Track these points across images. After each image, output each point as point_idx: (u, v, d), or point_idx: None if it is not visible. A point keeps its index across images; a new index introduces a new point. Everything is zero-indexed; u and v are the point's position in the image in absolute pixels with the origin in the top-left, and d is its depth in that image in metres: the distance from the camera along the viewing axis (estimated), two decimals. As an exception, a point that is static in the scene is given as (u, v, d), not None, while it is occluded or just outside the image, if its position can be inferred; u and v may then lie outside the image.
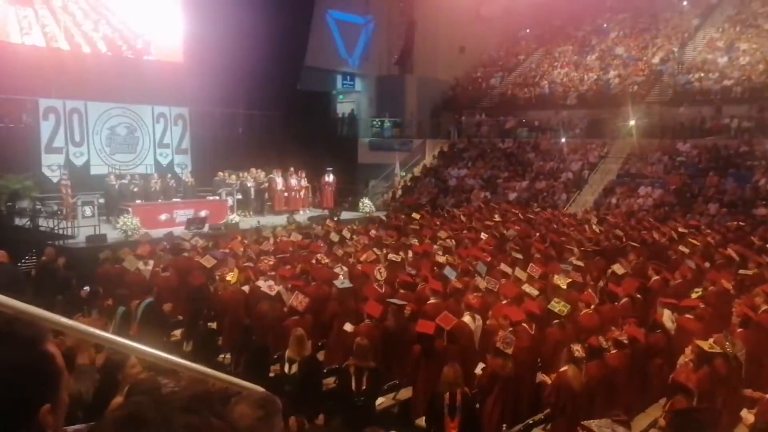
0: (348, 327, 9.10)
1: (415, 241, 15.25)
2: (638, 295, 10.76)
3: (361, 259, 12.90)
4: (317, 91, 31.08)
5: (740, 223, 19.44)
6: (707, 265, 13.02)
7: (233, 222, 20.15)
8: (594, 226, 17.93)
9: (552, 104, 30.53)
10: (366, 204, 26.06)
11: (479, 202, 25.91)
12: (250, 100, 26.77)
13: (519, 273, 11.46)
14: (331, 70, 32.04)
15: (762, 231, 18.40)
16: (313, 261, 12.64)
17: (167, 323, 10.37)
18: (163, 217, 19.55)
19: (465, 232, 17.17)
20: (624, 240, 15.62)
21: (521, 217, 20.07)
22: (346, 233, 16.51)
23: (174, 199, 20.82)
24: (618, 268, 11.97)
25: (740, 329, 8.69)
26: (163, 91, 23.50)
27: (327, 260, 12.85)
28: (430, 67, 33.16)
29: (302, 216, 22.80)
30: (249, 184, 23.14)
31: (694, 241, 15.28)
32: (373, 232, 16.97)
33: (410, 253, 13.83)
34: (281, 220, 21.08)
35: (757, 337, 8.69)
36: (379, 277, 11.29)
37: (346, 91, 33.86)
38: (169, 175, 22.08)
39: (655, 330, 8.70)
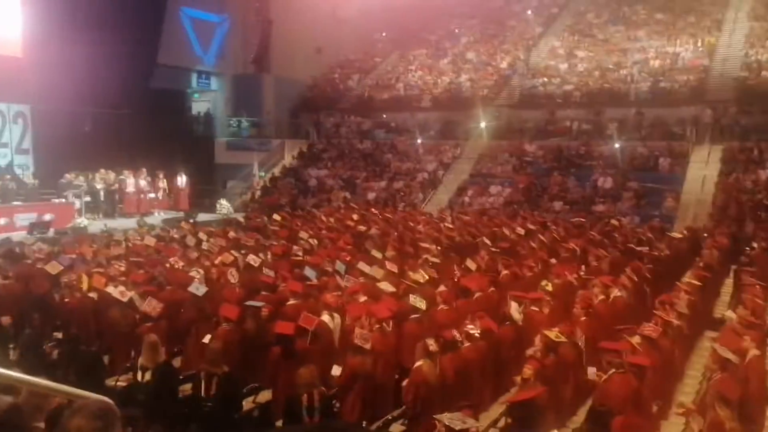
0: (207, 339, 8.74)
1: (275, 243, 15.00)
2: (491, 289, 11.17)
3: (218, 261, 12.50)
4: (171, 89, 29.80)
5: (581, 219, 20.86)
6: (553, 259, 13.81)
7: (81, 226, 19.06)
8: (448, 224, 18.52)
9: (408, 106, 31.32)
10: (224, 205, 25.44)
11: (339, 202, 26.07)
12: (98, 97, 25.11)
13: (377, 271, 11.55)
14: (186, 68, 30.86)
15: (600, 226, 19.96)
16: (168, 265, 12.08)
17: (6, 337, 9.53)
18: (1, 221, 18.18)
19: (325, 232, 17.12)
20: (476, 237, 16.25)
21: (380, 216, 20.36)
22: (202, 236, 15.94)
23: (14, 202, 19.39)
24: (471, 264, 12.40)
25: (582, 318, 9.27)
26: (1, 88, 21.64)
27: (182, 264, 12.35)
28: (287, 67, 32.85)
29: (156, 218, 21.78)
30: (98, 186, 21.85)
31: (542, 237, 16.20)
32: (231, 234, 16.52)
33: (269, 255, 13.59)
34: (133, 223, 20.04)
35: (595, 324, 9.31)
36: (232, 279, 10.99)
37: (202, 90, 32.77)
38: (8, 177, 20.43)
39: (505, 322, 9.05)
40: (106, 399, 3.07)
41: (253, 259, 12.38)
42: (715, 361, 7.21)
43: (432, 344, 7.31)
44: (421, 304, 9.16)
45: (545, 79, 29.68)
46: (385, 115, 31.65)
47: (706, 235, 18.40)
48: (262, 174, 29.53)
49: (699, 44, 29.54)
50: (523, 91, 29.72)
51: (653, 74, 27.97)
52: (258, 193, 28.33)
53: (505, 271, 12.19)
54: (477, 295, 10.67)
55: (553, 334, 7.84)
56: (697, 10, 32.27)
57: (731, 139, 24.65)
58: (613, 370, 6.96)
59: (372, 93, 33.09)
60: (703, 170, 23.80)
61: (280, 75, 33.04)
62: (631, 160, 24.98)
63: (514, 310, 9.31)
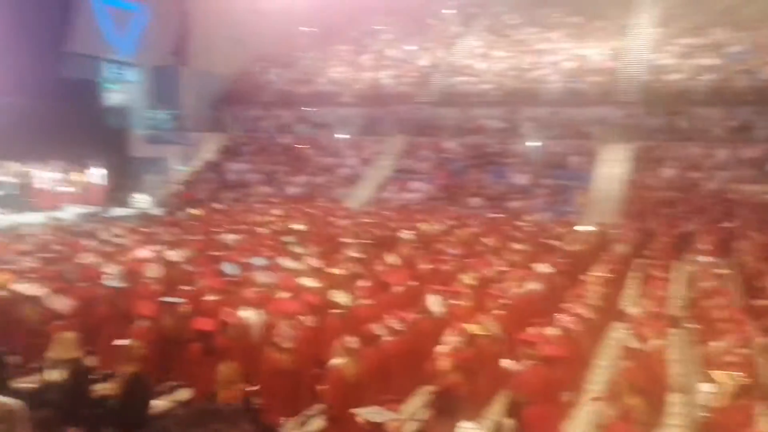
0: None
1: (194, 238, 14.77)
2: (411, 283, 11.41)
3: (134, 257, 12.23)
4: (84, 78, 28.66)
5: (498, 215, 21.53)
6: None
7: None
8: (369, 219, 18.73)
9: (329, 101, 31.33)
10: (141, 199, 24.78)
11: (260, 197, 25.89)
12: (3, 85, 23.93)
13: (298, 266, 11.59)
14: (99, 57, 29.76)
15: (515, 222, 20.69)
16: (80, 261, 11.72)
17: None
18: None
19: (245, 227, 16.99)
20: (396, 231, 16.51)
21: (301, 211, 20.36)
22: (118, 231, 15.52)
23: None
24: (391, 258, 12.61)
25: (497, 311, 9.62)
26: None
27: (95, 259, 11.99)
28: (207, 59, 32.19)
29: (69, 213, 20.94)
30: (2, 179, 20.87)
31: (460, 232, 16.63)
32: (148, 229, 16.16)
33: (189, 251, 13.37)
34: (43, 217, 19.24)
35: (511, 317, 9.68)
36: (151, 274, 10.80)
37: (118, 81, 31.67)
38: None
39: (424, 315, 9.28)
40: (12, 400, 2.99)
41: (171, 255, 12.18)
42: (620, 350, 7.67)
43: (351, 341, 7.41)
44: (343, 299, 9.26)
45: (464, 78, 30.33)
46: (306, 110, 31.51)
47: (613, 230, 19.33)
48: (182, 168, 28.93)
49: (608, 47, 30.92)
50: (442, 89, 30.26)
51: (565, 75, 29.08)
52: (177, 187, 27.74)
53: (424, 266, 12.38)
54: (397, 289, 10.89)
55: (473, 327, 8.09)
56: (605, 15, 33.70)
57: (637, 138, 25.95)
58: (528, 361, 7.28)
59: (293, 87, 32.90)
60: (611, 168, 24.97)
61: (200, 67, 32.39)
62: (545, 158, 25.90)
63: (433, 303, 9.54)
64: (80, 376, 7.30)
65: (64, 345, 7.23)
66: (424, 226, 17.40)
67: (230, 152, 30.14)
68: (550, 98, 28.14)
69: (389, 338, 8.30)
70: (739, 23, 30.62)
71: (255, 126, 31.50)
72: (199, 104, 32.12)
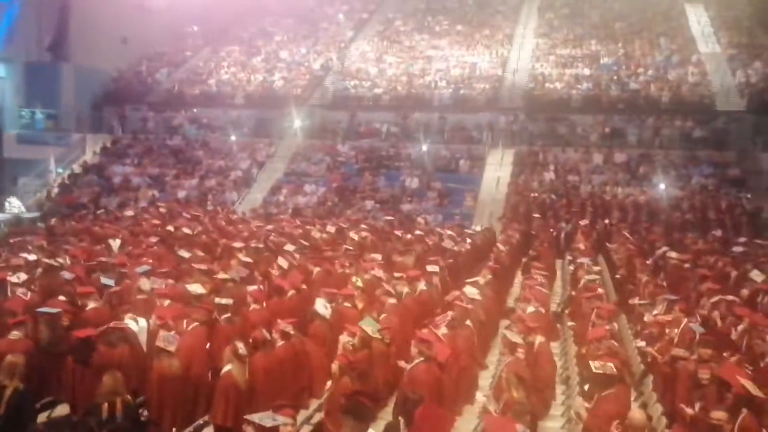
0: None
1: (73, 246, 14.01)
2: (304, 287, 11.38)
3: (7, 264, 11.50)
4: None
5: (390, 217, 21.84)
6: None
7: None
8: (260, 223, 18.53)
9: (220, 103, 30.71)
10: (14, 204, 23.31)
11: (146, 201, 24.98)
12: None
13: (186, 272, 11.31)
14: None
15: (408, 224, 21.16)
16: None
17: None
18: None
19: (127, 233, 16.26)
20: (288, 236, 16.42)
21: (189, 216, 19.84)
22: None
23: None
24: (282, 263, 12.52)
25: (385, 313, 9.78)
26: None
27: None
28: (89, 56, 30.63)
29: None
30: None
31: (355, 236, 16.74)
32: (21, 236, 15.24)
33: (68, 258, 12.71)
34: None
35: (402, 318, 9.88)
36: (16, 280, 10.15)
37: (-15, 77, 29.65)
38: None
39: (314, 319, 9.31)
40: None
41: (47, 263, 11.52)
42: (505, 345, 8.03)
43: (240, 347, 7.27)
44: (229, 303, 9.09)
45: (356, 82, 30.60)
46: (196, 111, 30.71)
47: (499, 232, 20.11)
48: (60, 170, 27.43)
49: (493, 55, 32.19)
50: (335, 92, 30.39)
51: (454, 82, 29.99)
52: (55, 190, 26.28)
53: (317, 269, 12.37)
54: (290, 293, 10.85)
55: (366, 328, 8.15)
56: (491, 24, 35.13)
57: (521, 143, 27.16)
58: (418, 359, 7.45)
59: (182, 88, 31.98)
60: (497, 172, 25.99)
61: (81, 64, 30.76)
62: (435, 162, 26.56)
63: (320, 306, 9.55)
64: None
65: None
66: (315, 232, 17.36)
67: (114, 154, 28.86)
68: (439, 104, 28.90)
69: (282, 343, 8.27)
70: (611, 36, 32.79)
71: (141, 126, 30.31)
72: (79, 103, 30.53)
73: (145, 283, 10.14)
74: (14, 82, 29.70)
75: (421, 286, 11.37)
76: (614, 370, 6.71)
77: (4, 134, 27.89)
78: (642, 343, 9.17)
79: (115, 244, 14.44)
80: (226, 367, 7.17)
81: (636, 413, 6.17)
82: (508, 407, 6.50)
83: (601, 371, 6.70)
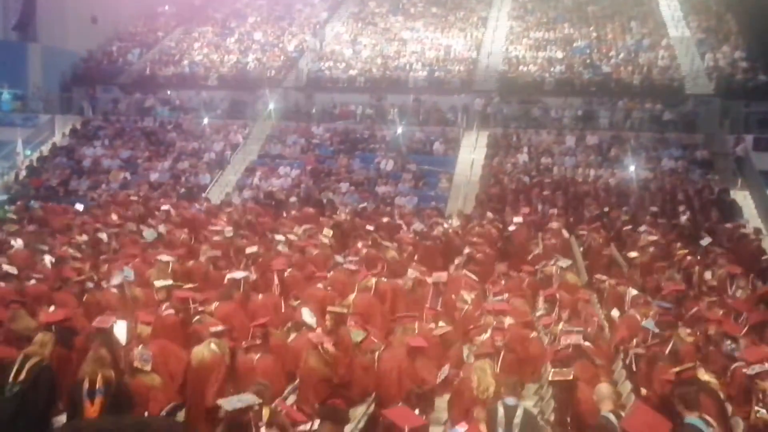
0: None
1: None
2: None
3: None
4: None
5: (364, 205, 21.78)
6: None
7: None
8: (236, 216, 18.30)
9: (193, 84, 30.33)
10: (-21, 187, 22.87)
11: (118, 184, 24.72)
12: None
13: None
14: None
15: (382, 207, 21.34)
16: None
17: None
18: None
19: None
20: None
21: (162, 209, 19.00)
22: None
23: None
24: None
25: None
26: None
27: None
28: (57, 36, 30.05)
29: None
30: None
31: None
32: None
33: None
34: None
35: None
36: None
37: (-53, 57, 28.88)
38: None
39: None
40: None
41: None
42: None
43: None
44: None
45: (331, 63, 30.46)
46: (168, 92, 30.31)
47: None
48: (28, 152, 26.90)
49: (468, 38, 32.22)
50: (310, 74, 30.22)
51: (429, 64, 30.01)
52: (23, 173, 25.84)
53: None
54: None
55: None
56: (465, 7, 35.11)
57: (495, 126, 27.33)
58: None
59: (154, 69, 31.51)
60: (471, 154, 26.11)
61: (49, 44, 30.16)
62: (410, 144, 26.61)
63: (307, 315, 9.05)
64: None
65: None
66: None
67: (84, 136, 28.40)
68: (414, 86, 28.92)
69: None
70: (584, 20, 33.02)
71: (112, 108, 29.86)
72: (48, 84, 29.95)
73: (117, 279, 9.99)
74: (-20, 62, 29.03)
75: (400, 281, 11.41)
76: (570, 376, 6.92)
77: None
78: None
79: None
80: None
81: (602, 386, 6.44)
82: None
83: (559, 377, 6.93)
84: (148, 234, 14.60)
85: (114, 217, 17.48)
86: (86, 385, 6.55)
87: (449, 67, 29.68)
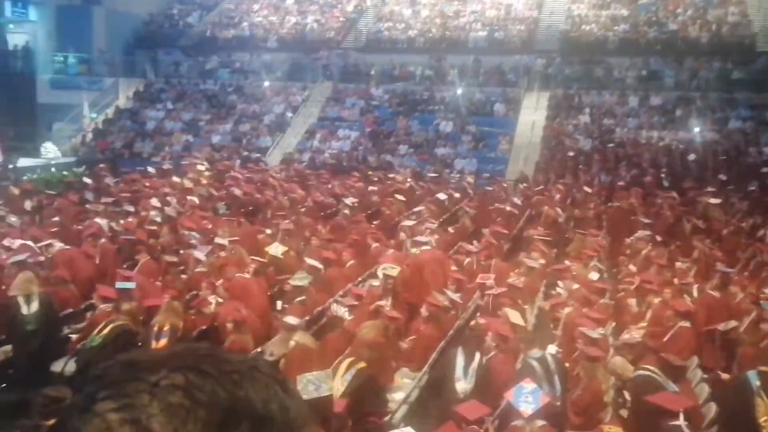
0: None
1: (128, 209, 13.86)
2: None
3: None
4: (-21, 18, 26.48)
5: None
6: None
7: None
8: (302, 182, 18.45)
9: (253, 46, 30.41)
10: (49, 149, 23.35)
11: (180, 146, 25.22)
12: None
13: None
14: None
15: (437, 168, 21.72)
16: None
17: None
18: None
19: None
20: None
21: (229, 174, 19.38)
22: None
23: None
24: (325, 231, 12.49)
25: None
26: None
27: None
28: (121, -1, 30.41)
29: None
30: None
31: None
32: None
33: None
34: None
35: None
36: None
37: (19, 21, 29.41)
38: None
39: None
40: None
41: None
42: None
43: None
44: (303, 282, 8.89)
45: (390, 24, 30.18)
46: (229, 55, 30.48)
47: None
48: (94, 115, 27.54)
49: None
50: (368, 35, 30.03)
51: (489, 23, 29.47)
52: (89, 135, 26.51)
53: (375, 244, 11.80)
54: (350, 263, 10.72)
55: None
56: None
57: (556, 86, 26.90)
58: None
59: (214, 31, 31.65)
60: (532, 115, 25.83)
61: (112, 7, 30.49)
62: (470, 105, 26.43)
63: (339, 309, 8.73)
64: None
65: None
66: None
67: (147, 99, 28.93)
68: (474, 46, 28.52)
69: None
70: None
71: (174, 71, 30.20)
72: (112, 47, 30.37)
73: (199, 254, 10.02)
74: (46, 26, 29.49)
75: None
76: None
77: (38, 79, 27.96)
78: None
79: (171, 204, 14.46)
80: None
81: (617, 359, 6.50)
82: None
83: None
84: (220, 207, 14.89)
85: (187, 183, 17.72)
86: (156, 329, 7.24)
87: (510, 26, 29.12)
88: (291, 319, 7.52)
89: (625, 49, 27.35)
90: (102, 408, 0.78)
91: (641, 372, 6.14)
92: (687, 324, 7.88)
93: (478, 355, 6.96)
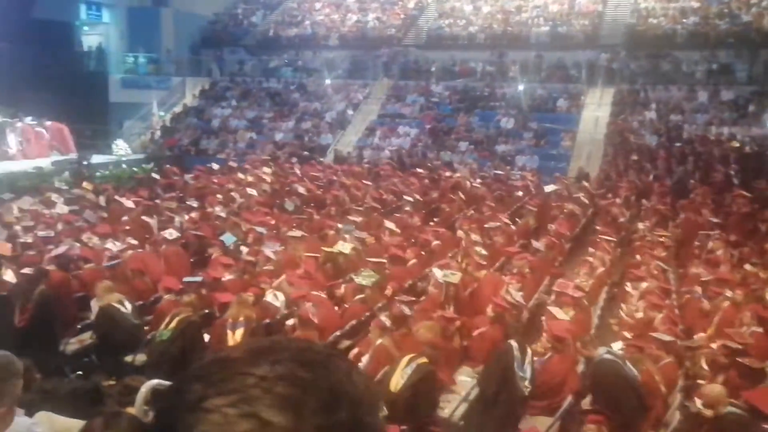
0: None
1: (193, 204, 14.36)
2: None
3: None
4: (57, 20, 27.61)
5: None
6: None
7: None
8: (366, 181, 18.50)
9: (314, 44, 30.77)
10: (120, 146, 24.24)
11: (245, 143, 25.75)
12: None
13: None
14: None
15: (498, 165, 21.56)
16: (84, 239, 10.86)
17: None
18: None
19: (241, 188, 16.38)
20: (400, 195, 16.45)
21: (292, 171, 19.80)
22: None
23: None
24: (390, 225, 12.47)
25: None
26: None
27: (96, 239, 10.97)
28: (187, 0, 31.23)
29: (44, 162, 19.59)
30: None
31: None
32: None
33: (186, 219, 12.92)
34: (18, 166, 18.44)
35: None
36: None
37: (93, 23, 30.62)
38: None
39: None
40: (4, 353, 2.90)
41: (170, 233, 11.16)
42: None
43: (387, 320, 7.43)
44: (368, 281, 8.87)
45: (451, 20, 30.05)
46: (292, 53, 30.95)
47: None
48: (162, 113, 28.38)
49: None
50: (429, 31, 29.98)
51: (552, 18, 28.99)
52: (158, 133, 27.32)
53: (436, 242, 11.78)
54: (411, 263, 10.65)
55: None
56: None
57: (621, 82, 26.26)
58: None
59: (277, 30, 32.19)
60: (596, 111, 25.30)
61: (179, 8, 31.43)
62: (531, 101, 26.09)
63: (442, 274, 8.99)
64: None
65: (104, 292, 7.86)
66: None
67: (213, 97, 29.64)
68: (536, 41, 28.14)
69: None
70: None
71: (238, 69, 30.87)
72: (179, 47, 31.28)
73: (269, 252, 10.19)
74: (118, 28, 30.65)
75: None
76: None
77: (110, 79, 29.03)
78: None
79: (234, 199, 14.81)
80: (377, 341, 7.29)
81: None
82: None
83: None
84: (288, 205, 15.14)
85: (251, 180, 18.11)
86: (230, 320, 7.53)
87: (573, 21, 28.58)
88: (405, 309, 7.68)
89: (694, 42, 26.46)
90: (215, 404, 0.83)
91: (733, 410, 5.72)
92: (760, 329, 7.64)
93: (529, 351, 6.95)
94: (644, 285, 9.21)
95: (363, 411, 0.86)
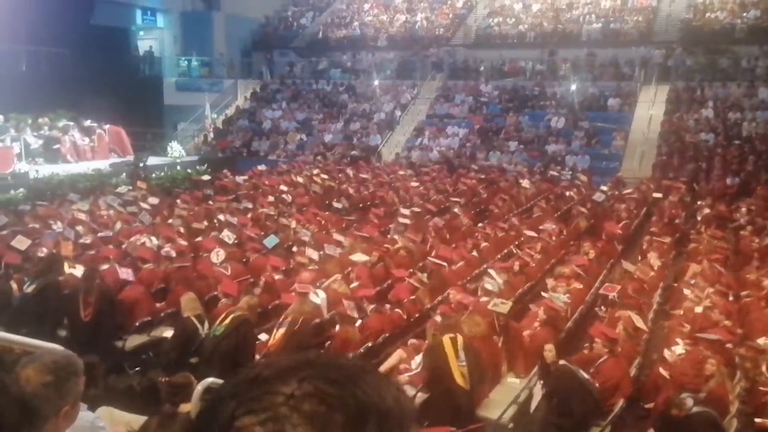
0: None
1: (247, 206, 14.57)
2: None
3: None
4: (114, 26, 28.47)
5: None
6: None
7: (21, 172, 17.48)
8: (415, 182, 18.54)
9: (363, 45, 30.96)
10: (175, 148, 24.77)
11: (295, 145, 26.05)
12: (33, 34, 23.62)
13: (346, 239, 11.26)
14: (129, 3, 29.47)
15: (548, 164, 21.21)
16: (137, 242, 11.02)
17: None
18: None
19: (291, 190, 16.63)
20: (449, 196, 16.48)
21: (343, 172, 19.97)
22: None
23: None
24: (438, 222, 12.59)
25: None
26: None
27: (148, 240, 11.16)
28: (238, 3, 31.75)
29: (102, 164, 20.10)
30: (39, 131, 20.47)
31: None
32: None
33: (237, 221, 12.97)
34: (77, 168, 19.05)
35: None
36: (216, 259, 10.23)
37: (148, 27, 31.46)
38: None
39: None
40: (67, 352, 2.91)
41: (228, 236, 11.35)
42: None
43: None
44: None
45: (500, 19, 29.81)
46: (341, 55, 31.19)
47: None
48: (215, 116, 28.89)
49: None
50: (478, 31, 29.81)
51: (604, 15, 28.49)
52: (210, 135, 27.84)
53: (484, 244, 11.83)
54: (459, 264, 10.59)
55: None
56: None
57: (676, 79, 25.61)
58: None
59: (326, 32, 32.49)
60: (649, 110, 24.71)
61: (231, 12, 32.01)
62: (583, 100, 25.66)
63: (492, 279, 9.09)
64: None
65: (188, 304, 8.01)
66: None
67: (264, 99, 30.09)
68: (588, 39, 27.68)
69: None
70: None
71: (288, 72, 31.26)
72: (230, 50, 31.86)
73: (312, 253, 10.26)
74: (172, 32, 31.43)
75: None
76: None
77: (165, 82, 29.76)
78: None
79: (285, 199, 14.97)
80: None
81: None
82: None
83: None
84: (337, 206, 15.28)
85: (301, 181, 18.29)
86: (281, 319, 7.87)
87: (626, 17, 28.03)
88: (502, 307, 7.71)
89: (754, 37, 25.62)
90: (246, 423, 0.85)
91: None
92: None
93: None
94: (702, 287, 8.98)
95: (391, 425, 0.88)
